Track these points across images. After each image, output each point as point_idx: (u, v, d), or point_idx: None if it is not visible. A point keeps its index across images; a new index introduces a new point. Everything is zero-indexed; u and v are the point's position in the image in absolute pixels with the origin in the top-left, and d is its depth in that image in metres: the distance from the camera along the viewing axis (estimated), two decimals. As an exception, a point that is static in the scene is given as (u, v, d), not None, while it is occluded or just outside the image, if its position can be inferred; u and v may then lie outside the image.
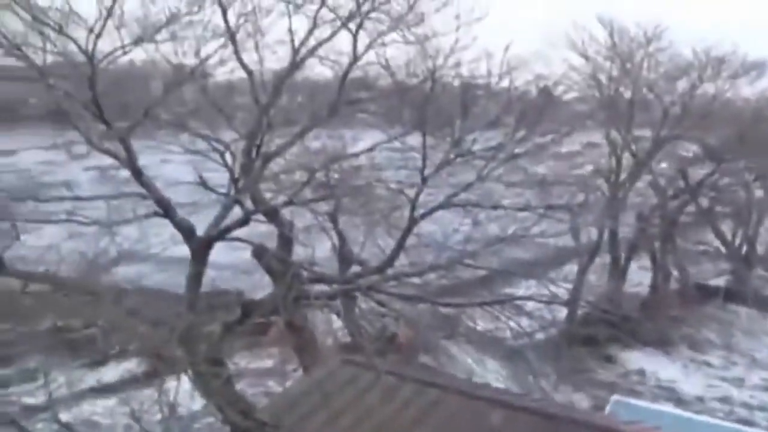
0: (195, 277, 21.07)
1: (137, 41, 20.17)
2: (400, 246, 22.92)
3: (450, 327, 30.14)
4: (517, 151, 25.04)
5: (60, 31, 19.06)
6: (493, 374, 35.54)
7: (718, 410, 37.71)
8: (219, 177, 22.21)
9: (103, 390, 31.47)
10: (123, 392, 28.50)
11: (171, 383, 19.98)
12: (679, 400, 38.54)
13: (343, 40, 22.43)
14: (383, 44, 22.89)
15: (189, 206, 23.47)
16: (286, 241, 22.51)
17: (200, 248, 21.09)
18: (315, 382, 20.58)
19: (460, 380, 25.39)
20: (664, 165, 50.99)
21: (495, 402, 19.85)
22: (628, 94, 46.64)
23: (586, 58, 46.57)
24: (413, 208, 22.73)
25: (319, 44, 22.23)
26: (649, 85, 47.12)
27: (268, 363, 31.80)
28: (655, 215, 49.33)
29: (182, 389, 19.78)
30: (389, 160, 27.46)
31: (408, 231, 22.83)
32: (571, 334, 41.25)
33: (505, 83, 25.36)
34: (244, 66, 22.14)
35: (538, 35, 44.91)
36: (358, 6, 21.95)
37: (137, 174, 20.36)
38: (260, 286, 24.55)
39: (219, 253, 22.19)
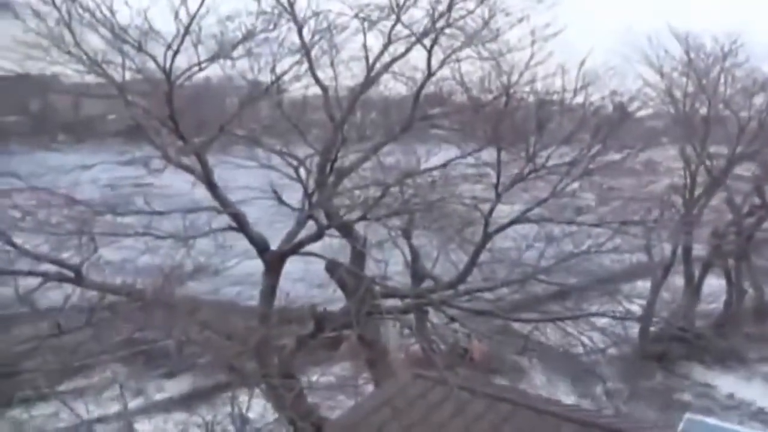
0: (268, 291, 21.27)
1: (214, 58, 20.47)
2: (473, 261, 22.94)
3: (522, 343, 30.05)
4: (591, 166, 24.94)
5: (139, 48, 19.42)
6: (564, 391, 35.31)
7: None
8: (293, 192, 22.40)
9: (176, 402, 31.81)
10: (196, 405, 28.83)
11: (243, 396, 20.18)
12: (754, 418, 37.99)
13: (418, 56, 22.57)
14: (457, 60, 22.99)
15: (264, 221, 23.68)
16: (359, 256, 22.60)
17: (274, 262, 21.29)
18: (386, 396, 20.59)
19: (531, 395, 25.26)
20: (739, 182, 50.29)
21: (566, 418, 19.76)
22: (703, 110, 46.08)
23: (662, 74, 46.14)
24: (487, 224, 22.74)
25: (394, 60, 22.36)
26: (725, 101, 46.51)
27: (341, 377, 31.91)
28: (730, 232, 48.68)
29: (255, 402, 19.97)
30: (463, 175, 27.48)
31: (481, 246, 22.86)
32: (644, 351, 40.89)
33: (579, 99, 25.28)
34: (318, 82, 22.34)
35: (613, 50, 44.46)
36: (433, 22, 22.03)
37: (213, 188, 20.62)
38: (333, 300, 24.66)
39: (292, 267, 22.36)
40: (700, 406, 38.17)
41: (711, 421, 29.63)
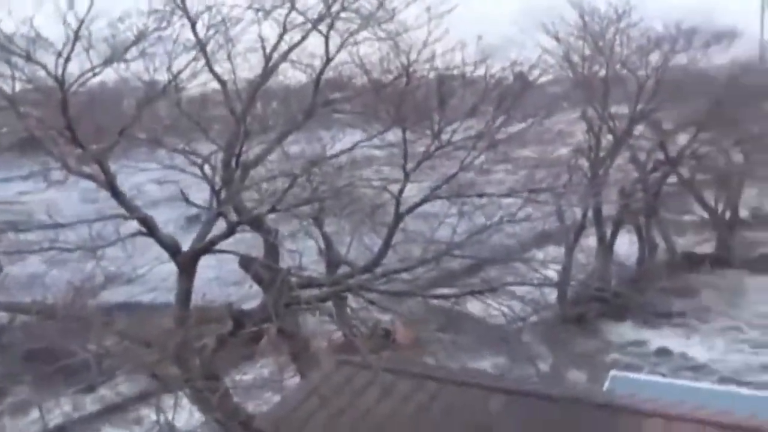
0: (183, 293, 21.00)
1: (107, 62, 20.04)
2: (387, 243, 22.91)
3: (443, 319, 30.18)
4: (497, 138, 25.03)
5: (28, 57, 18.91)
6: (490, 361, 35.54)
7: (717, 375, 37.84)
8: (200, 190, 22.15)
9: (99, 414, 31.37)
10: (120, 417, 28.46)
11: (168, 402, 19.92)
12: (678, 369, 38.62)
13: (315, 42, 22.40)
14: (355, 43, 22.84)
15: (172, 222, 23.43)
16: (272, 249, 22.40)
17: (186, 263, 21.02)
18: (312, 386, 20.56)
19: (457, 371, 25.38)
20: (643, 140, 51.08)
21: (494, 389, 19.88)
22: (602, 72, 46.67)
23: (558, 39, 46.60)
24: (398, 204, 22.71)
25: (291, 49, 22.18)
26: (623, 62, 47.17)
27: (265, 372, 31.75)
28: (638, 189, 49.43)
29: (180, 407, 19.75)
30: (370, 158, 27.43)
31: (394, 227, 22.83)
32: (564, 315, 41.38)
33: (480, 72, 25.34)
34: (216, 77, 22.07)
35: (510, 22, 44.89)
36: (328, 7, 21.87)
37: (117, 195, 20.26)
38: (250, 296, 24.47)
39: (207, 267, 22.11)
40: (624, 362, 38.71)
41: (635, 376, 30.11)
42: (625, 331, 43.11)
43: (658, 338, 42.64)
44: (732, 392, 28.38)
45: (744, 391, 29.77)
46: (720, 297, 48.94)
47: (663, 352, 40.84)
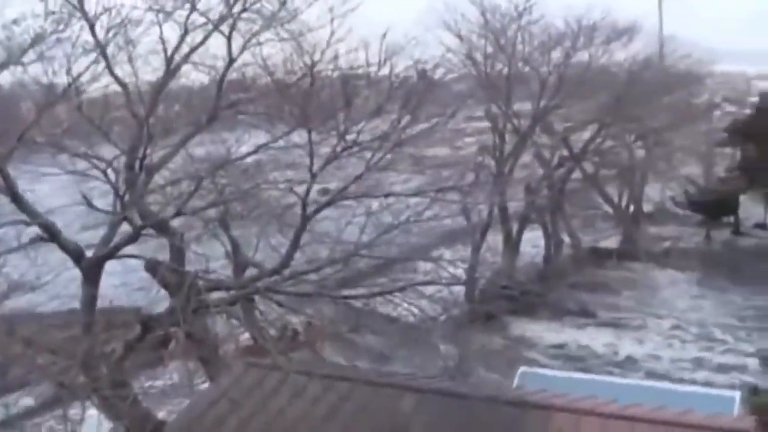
0: (89, 300, 20.71)
1: (3, 65, 19.69)
2: (294, 245, 22.81)
3: (353, 319, 30.17)
4: (402, 137, 25.09)
5: None
6: (401, 361, 35.55)
7: (624, 369, 38.36)
8: (104, 195, 21.86)
9: (4, 424, 30.73)
10: (26, 425, 27.92)
11: (76, 410, 19.60)
12: (587, 364, 39.06)
13: (217, 43, 22.22)
14: (258, 44, 22.73)
15: (76, 228, 23.07)
16: (178, 253, 22.18)
17: (91, 269, 20.73)
18: (222, 389, 20.35)
19: (367, 371, 25.36)
20: (546, 136, 51.62)
21: (404, 388, 19.91)
22: (504, 70, 47.05)
23: (461, 38, 46.90)
24: (304, 206, 22.62)
25: (193, 50, 21.97)
26: (525, 59, 47.60)
27: (174, 377, 31.44)
28: (543, 186, 49.92)
29: (88, 415, 19.44)
30: (276, 159, 27.31)
31: (301, 229, 22.74)
32: (473, 312, 41.56)
33: (384, 71, 25.37)
34: (117, 80, 21.77)
35: (413, 21, 45.03)
36: (230, 7, 21.72)
37: (18, 201, 19.89)
38: (157, 301, 24.18)
39: (112, 272, 21.82)
40: (533, 358, 39.01)
41: (544, 371, 30.35)
42: (533, 328, 43.42)
43: (566, 334, 43.05)
44: (641, 385, 28.77)
45: (652, 383, 30.24)
46: (627, 291, 49.72)
47: (570, 347, 41.26)
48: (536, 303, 42.34)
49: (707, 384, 32.35)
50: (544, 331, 43.13)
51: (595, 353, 40.78)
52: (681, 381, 34.71)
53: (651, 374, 36.72)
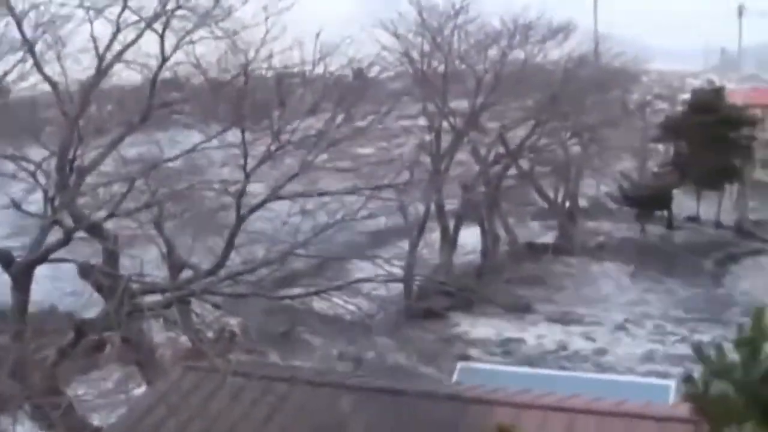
0: (19, 306, 20.32)
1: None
2: (229, 245, 22.57)
3: (291, 319, 30.03)
4: (337, 136, 24.98)
5: None
6: (340, 360, 35.44)
7: (563, 361, 38.64)
8: (33, 198, 21.50)
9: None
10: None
11: (6, 421, 19.24)
12: (525, 358, 39.25)
13: (150, 41, 21.94)
14: (192, 42, 22.52)
15: (4, 232, 22.68)
16: (111, 256, 21.80)
17: (21, 274, 20.35)
18: (159, 394, 20.04)
19: (306, 371, 25.22)
20: (483, 134, 51.84)
21: (343, 387, 19.80)
22: (441, 68, 47.17)
23: (397, 36, 46.90)
24: (239, 206, 22.39)
25: (125, 48, 21.69)
26: (461, 57, 47.78)
27: (110, 383, 31.02)
28: (479, 183, 50.06)
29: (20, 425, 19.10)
30: (210, 159, 27.08)
31: (236, 229, 22.51)
32: (411, 309, 41.55)
33: (319, 70, 25.26)
34: (47, 78, 21.40)
35: (348, 19, 45.12)
36: (163, 5, 21.48)
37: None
38: (91, 305, 23.79)
39: (43, 276, 21.44)
40: (471, 353, 39.12)
41: (483, 366, 30.44)
42: (471, 323, 43.55)
43: (504, 328, 43.25)
44: (579, 377, 29.00)
45: (590, 375, 30.47)
46: (565, 285, 50.13)
47: (510, 342, 41.45)
48: (474, 299, 42.44)
49: (660, 376, 32.57)
50: (482, 326, 43.27)
51: (532, 346, 41.06)
52: (628, 373, 35.05)
53: (599, 368, 37.02)
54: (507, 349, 40.78)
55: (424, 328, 41.85)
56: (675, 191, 65.56)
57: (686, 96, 71.87)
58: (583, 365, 37.79)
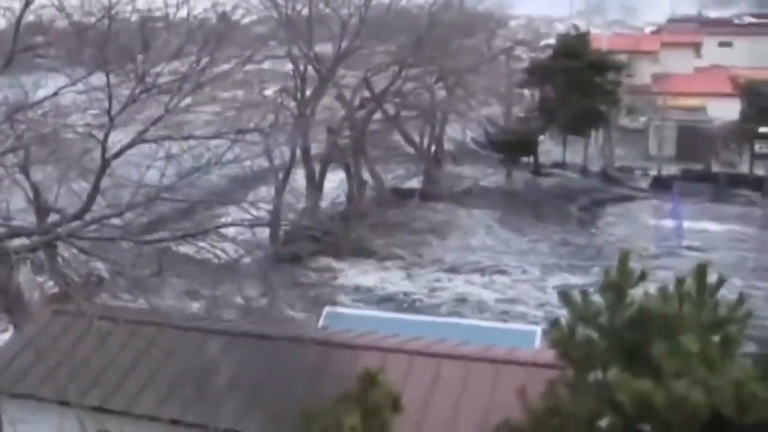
0: None
1: None
2: (95, 189, 22.44)
3: (157, 263, 29.95)
4: (202, 80, 24.97)
5: None
6: (203, 304, 35.44)
7: (430, 307, 39.31)
8: None
9: None
10: None
11: None
12: (388, 301, 39.83)
13: (13, -16, 21.62)
14: (55, -16, 22.22)
15: None
16: (-23, 200, 21.64)
17: None
18: (27, 338, 20.08)
19: (174, 315, 25.32)
20: (348, 78, 52.00)
21: (211, 331, 20.07)
22: (305, 12, 47.11)
23: (261, -21, 46.71)
24: (104, 150, 22.28)
25: (-14, -8, 21.32)
26: (325, 1, 47.76)
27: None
28: (345, 127, 50.35)
29: None
30: (75, 103, 26.75)
31: (101, 173, 22.39)
32: (277, 254, 41.78)
33: (183, 13, 25.17)
34: None
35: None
36: (24, -53, 21.16)
37: None
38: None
39: None
40: (338, 298, 39.56)
41: (350, 311, 30.88)
42: (337, 268, 44.03)
43: (368, 274, 43.83)
44: (446, 322, 29.45)
45: (456, 320, 31.08)
46: (431, 231, 50.81)
47: (374, 287, 42.01)
48: (340, 243, 42.86)
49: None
50: (348, 271, 43.78)
51: (395, 291, 41.68)
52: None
53: (452, 313, 37.68)
54: (375, 295, 41.33)
55: (291, 273, 42.12)
56: (541, 137, 66.81)
57: (550, 41, 73.00)
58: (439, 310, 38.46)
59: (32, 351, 18.97)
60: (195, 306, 35.00)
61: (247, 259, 34.94)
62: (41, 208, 26.82)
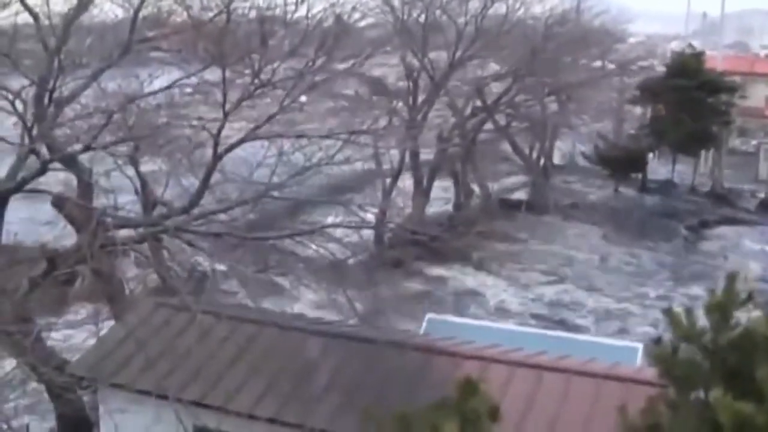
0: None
1: None
2: (204, 184, 22.53)
3: (262, 260, 30.02)
4: (317, 79, 24.93)
5: None
6: (310, 304, 35.49)
7: (531, 318, 38.88)
8: (11, 126, 21.39)
9: None
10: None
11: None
12: (494, 312, 39.49)
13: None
14: (176, -22, 22.39)
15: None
16: (86, 188, 21.73)
17: (-4, 202, 20.31)
18: (128, 329, 20.10)
19: (275, 314, 25.32)
20: (461, 85, 51.75)
21: (311, 332, 19.93)
22: (421, 18, 47.01)
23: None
24: (216, 145, 22.34)
25: (107, -18, 21.54)
26: (442, 8, 47.59)
27: (80, 315, 31.01)
28: (455, 135, 50.13)
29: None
30: (189, 97, 26.94)
31: (212, 168, 22.46)
32: (382, 257, 41.68)
33: (301, 13, 25.17)
34: (28, 9, 21.22)
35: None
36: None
37: None
38: (64, 237, 23.76)
39: (18, 206, 21.38)
40: (442, 305, 39.30)
41: (452, 319, 30.58)
42: (442, 275, 43.77)
43: (474, 282, 43.51)
44: (547, 335, 29.03)
45: (558, 333, 30.62)
46: (535, 242, 50.34)
47: (478, 295, 41.69)
48: (446, 250, 42.59)
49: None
50: (453, 278, 43.50)
51: (500, 301, 41.28)
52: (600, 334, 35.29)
53: (556, 325, 37.22)
54: (474, 301, 41.02)
55: (395, 277, 41.99)
56: (650, 155, 65.89)
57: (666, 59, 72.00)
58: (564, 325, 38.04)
59: (133, 342, 18.99)
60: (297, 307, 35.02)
61: (351, 261, 35.00)
62: (148, 201, 27.02)
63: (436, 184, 50.98)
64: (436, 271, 43.97)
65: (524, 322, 37.35)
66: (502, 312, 39.60)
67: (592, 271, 46.42)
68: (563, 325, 37.54)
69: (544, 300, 41.75)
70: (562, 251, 49.70)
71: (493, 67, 53.50)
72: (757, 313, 9.83)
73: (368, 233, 36.61)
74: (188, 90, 25.93)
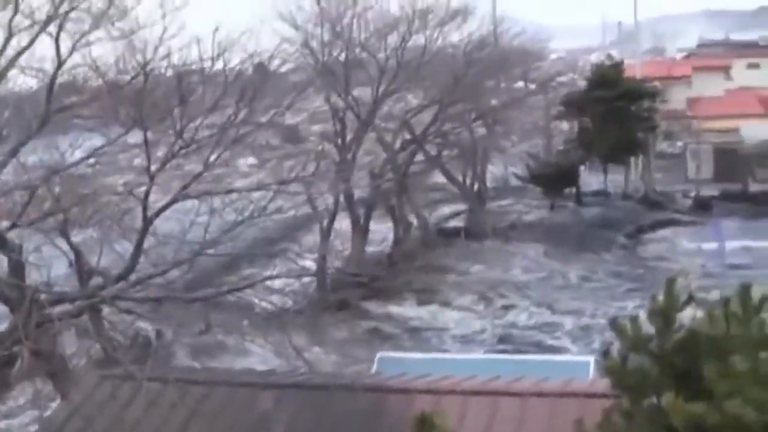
0: None
1: None
2: (138, 249, 22.17)
3: (205, 320, 29.68)
4: (240, 132, 24.75)
5: None
6: (256, 358, 35.14)
7: (484, 346, 38.75)
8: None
9: None
10: None
11: None
12: (445, 343, 39.34)
13: (45, 45, 21.54)
14: (88, 44, 22.19)
15: None
16: (17, 266, 21.27)
17: None
18: (74, 405, 19.66)
19: (223, 371, 25.03)
20: (388, 121, 51.94)
21: (262, 386, 19.65)
22: (342, 57, 47.11)
23: (296, 27, 46.78)
24: (145, 208, 22.02)
25: (19, 54, 21.26)
26: (362, 45, 47.73)
27: (22, 400, 30.34)
28: (386, 170, 50.12)
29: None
30: (113, 162, 26.64)
31: (144, 232, 22.13)
32: (326, 302, 41.41)
33: (219, 66, 25.03)
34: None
35: (246, 11, 45.13)
36: (56, 8, 21.05)
37: None
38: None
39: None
40: (389, 342, 39.07)
41: (402, 355, 30.45)
42: (388, 312, 43.53)
43: (420, 315, 43.31)
44: (498, 359, 29.14)
45: (508, 356, 30.63)
46: (478, 268, 50.34)
47: (426, 328, 41.51)
48: (388, 287, 42.50)
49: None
50: (398, 314, 43.29)
51: (450, 331, 41.12)
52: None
53: (508, 349, 37.14)
54: (423, 335, 40.76)
55: (341, 320, 41.68)
56: (581, 167, 66.59)
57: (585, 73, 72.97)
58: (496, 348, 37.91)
59: (79, 418, 18.56)
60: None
61: (295, 309, 34.74)
62: (83, 271, 26.56)
63: (374, 221, 50.84)
64: (383, 309, 43.70)
65: (492, 348, 37.31)
66: (456, 342, 39.45)
67: (546, 290, 46.53)
68: (539, 347, 37.52)
69: (504, 324, 41.72)
70: (507, 274, 49.79)
71: (418, 98, 53.68)
72: (699, 313, 9.90)
73: (310, 279, 36.39)
74: (112, 156, 25.62)
